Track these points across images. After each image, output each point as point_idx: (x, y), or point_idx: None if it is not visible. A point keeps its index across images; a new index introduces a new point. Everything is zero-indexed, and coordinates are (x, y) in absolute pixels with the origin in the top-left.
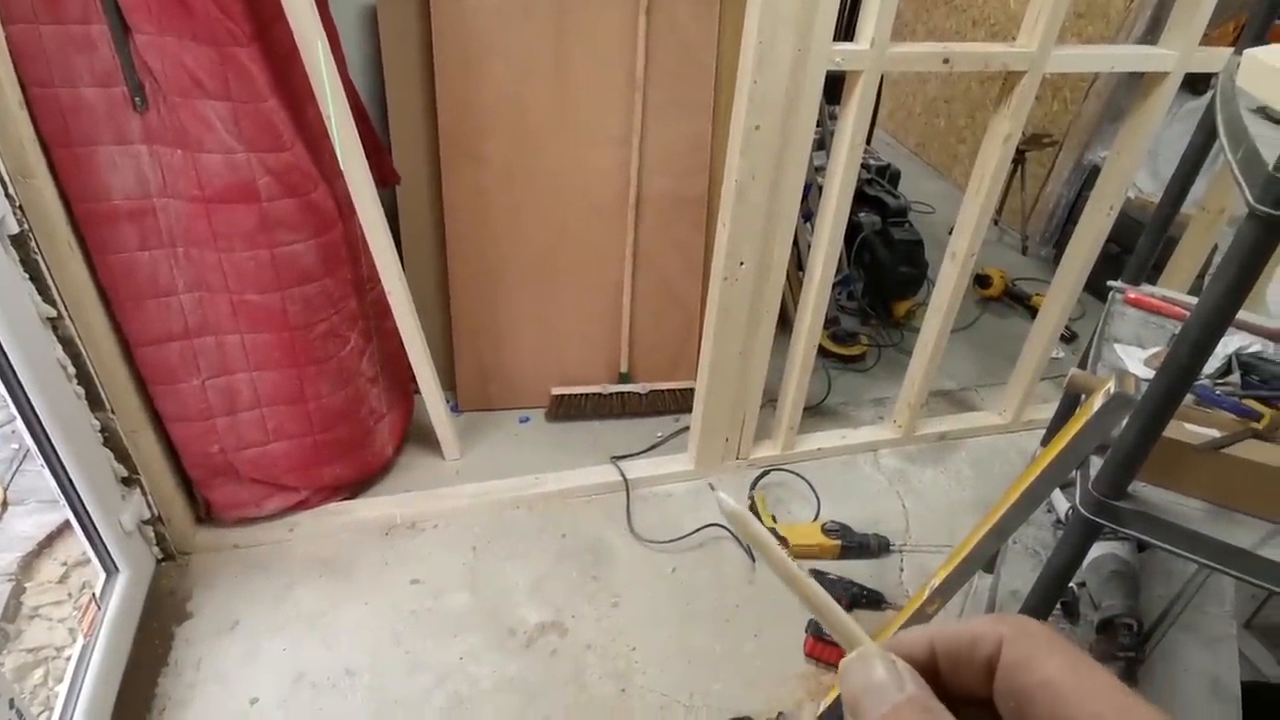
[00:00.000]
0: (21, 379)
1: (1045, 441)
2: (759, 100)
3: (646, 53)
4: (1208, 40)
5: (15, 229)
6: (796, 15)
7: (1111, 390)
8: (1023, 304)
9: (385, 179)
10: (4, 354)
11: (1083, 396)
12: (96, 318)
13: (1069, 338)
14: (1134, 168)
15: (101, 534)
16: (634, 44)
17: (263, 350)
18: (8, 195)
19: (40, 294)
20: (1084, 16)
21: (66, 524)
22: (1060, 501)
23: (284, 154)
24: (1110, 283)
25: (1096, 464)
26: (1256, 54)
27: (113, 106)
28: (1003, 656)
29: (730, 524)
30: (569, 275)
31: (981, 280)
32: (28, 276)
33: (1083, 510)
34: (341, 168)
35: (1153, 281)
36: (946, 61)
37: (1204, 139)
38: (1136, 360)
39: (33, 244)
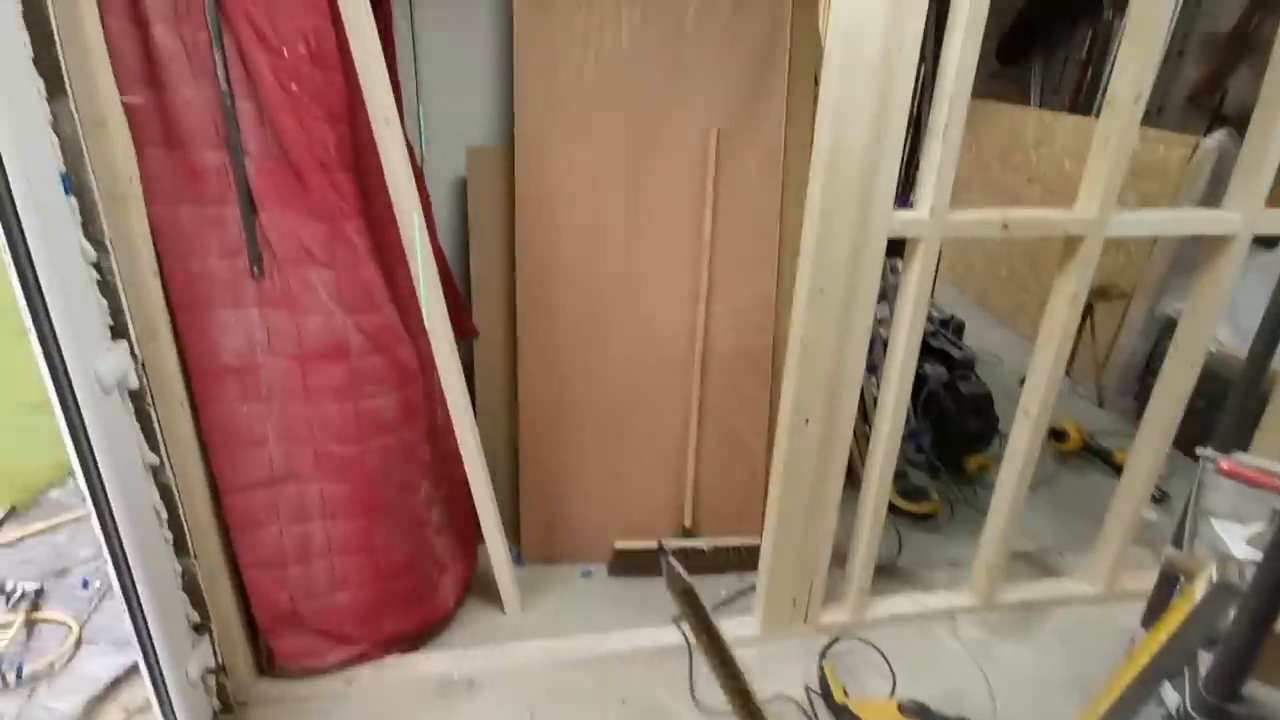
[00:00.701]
0: (118, 522)
1: (1145, 622)
2: (823, 265)
3: (714, 216)
4: (1273, 198)
5: (135, 384)
6: (857, 186)
7: (1214, 578)
8: (1105, 460)
9: (464, 332)
10: (107, 499)
11: (1182, 580)
12: (194, 466)
13: (1160, 498)
14: (1210, 326)
15: (167, 681)
16: (702, 208)
17: (339, 499)
18: (133, 354)
19: (148, 442)
20: (1141, 175)
21: (134, 667)
22: (1170, 693)
23: (376, 314)
24: (1200, 450)
25: (1206, 657)
26: None
27: (234, 275)
28: None
29: (676, 600)
30: (635, 427)
31: (1057, 434)
32: (139, 427)
33: (1193, 714)
34: (426, 326)
35: (1245, 440)
36: (1006, 227)
37: None
38: (1237, 539)
39: (148, 398)
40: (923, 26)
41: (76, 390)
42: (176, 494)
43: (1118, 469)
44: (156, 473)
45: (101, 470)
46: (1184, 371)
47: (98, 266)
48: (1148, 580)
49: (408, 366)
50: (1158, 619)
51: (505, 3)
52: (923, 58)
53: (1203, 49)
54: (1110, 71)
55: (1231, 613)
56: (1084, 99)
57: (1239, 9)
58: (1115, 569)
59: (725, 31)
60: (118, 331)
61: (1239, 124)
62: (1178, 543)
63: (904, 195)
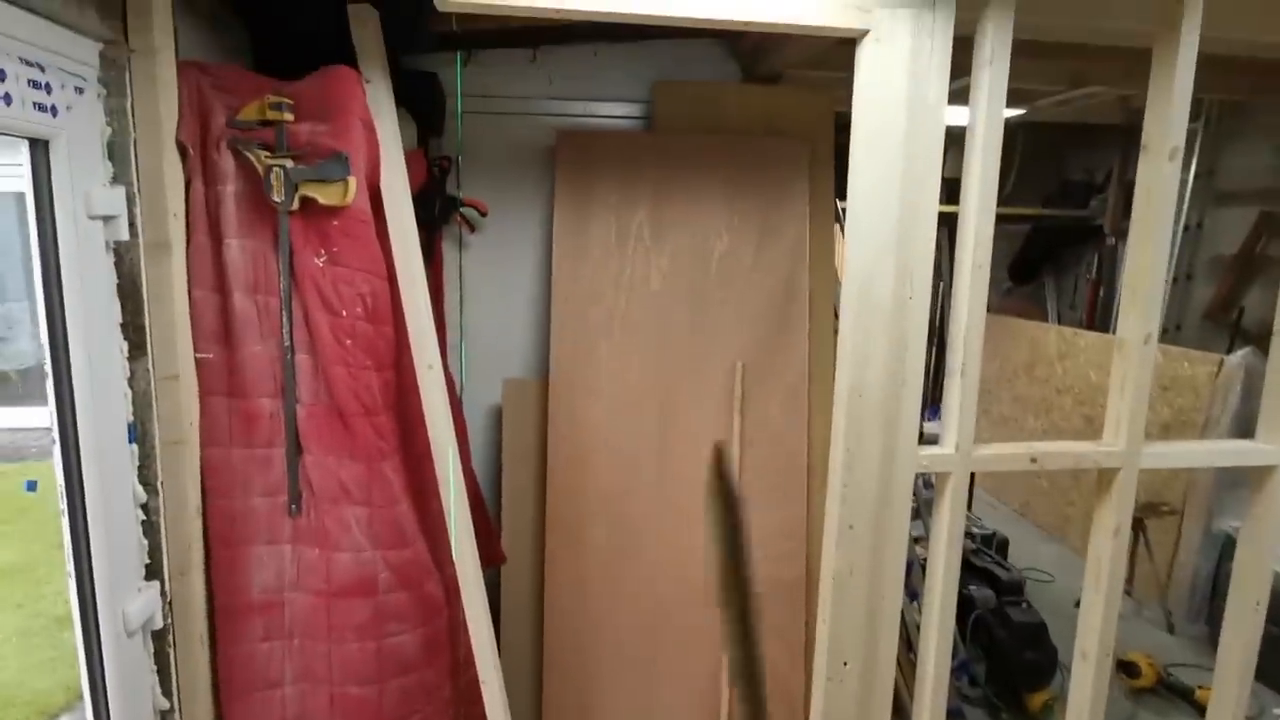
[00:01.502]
0: None
1: None
2: (851, 500)
3: (741, 446)
4: None
5: (160, 624)
6: (880, 425)
7: None
8: (1184, 698)
9: (492, 559)
10: None
11: None
12: (204, 712)
13: None
14: (1269, 560)
15: None
16: (729, 439)
17: None
18: (163, 592)
19: (161, 686)
20: (1170, 389)
21: None
22: None
23: (406, 550)
24: (1277, 712)
25: None
26: None
27: (273, 512)
28: None
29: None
30: (666, 663)
31: (1127, 668)
32: (155, 669)
33: None
34: (454, 558)
35: None
36: (1034, 461)
37: None
38: None
39: (170, 638)
40: (930, 276)
41: (102, 632)
42: None
43: (1199, 708)
44: (165, 718)
45: (112, 715)
46: (1249, 608)
47: (144, 507)
48: None
49: (434, 601)
50: None
51: (545, 249)
52: (939, 275)
53: (1211, 270)
54: (1120, 293)
55: None
56: (1100, 315)
57: (1243, 233)
58: None
59: (748, 273)
60: (153, 571)
61: (1259, 340)
62: None
63: (934, 406)
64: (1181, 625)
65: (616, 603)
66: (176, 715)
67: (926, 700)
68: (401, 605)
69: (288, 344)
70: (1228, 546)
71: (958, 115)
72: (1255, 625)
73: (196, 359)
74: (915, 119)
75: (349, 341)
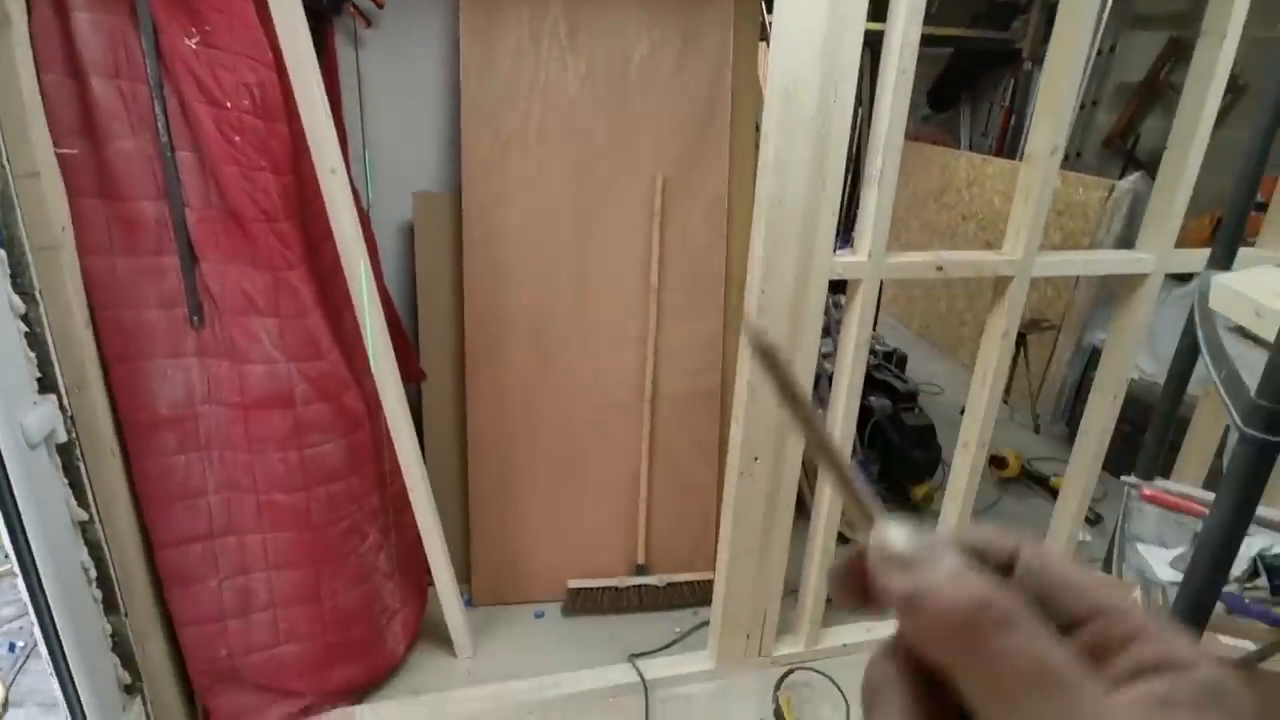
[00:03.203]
0: (44, 581)
1: None
2: (767, 307)
3: (660, 260)
4: (1184, 234)
5: (63, 438)
6: (798, 233)
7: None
8: (1042, 486)
9: (411, 376)
10: (32, 557)
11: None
12: (126, 521)
13: (1094, 520)
14: (1129, 359)
15: None
16: (649, 253)
17: (283, 549)
18: (62, 407)
19: (76, 499)
20: (1064, 214)
21: None
22: None
23: (321, 362)
24: (1125, 478)
25: None
26: (1224, 280)
27: (172, 325)
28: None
29: (755, 353)
30: (587, 469)
31: (998, 461)
32: (67, 482)
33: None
34: (372, 370)
35: (1170, 464)
36: (940, 269)
37: (1194, 339)
38: (1161, 562)
39: (77, 451)
40: (855, 86)
41: (2, 446)
42: (106, 550)
43: (1055, 494)
44: (85, 528)
45: (27, 527)
46: (1107, 402)
47: (25, 318)
48: None
49: (354, 413)
50: None
51: (452, 49)
52: (859, 101)
53: (1116, 97)
54: (1031, 118)
55: None
56: (1009, 143)
57: (1150, 59)
58: None
59: (669, 82)
60: (46, 385)
61: (1151, 168)
62: (1107, 566)
63: (845, 234)
64: (1046, 427)
65: (538, 414)
66: (97, 525)
67: (828, 489)
68: (321, 416)
69: (165, 139)
70: (1094, 356)
71: None
72: (1111, 417)
73: (58, 155)
74: None
75: (238, 138)
